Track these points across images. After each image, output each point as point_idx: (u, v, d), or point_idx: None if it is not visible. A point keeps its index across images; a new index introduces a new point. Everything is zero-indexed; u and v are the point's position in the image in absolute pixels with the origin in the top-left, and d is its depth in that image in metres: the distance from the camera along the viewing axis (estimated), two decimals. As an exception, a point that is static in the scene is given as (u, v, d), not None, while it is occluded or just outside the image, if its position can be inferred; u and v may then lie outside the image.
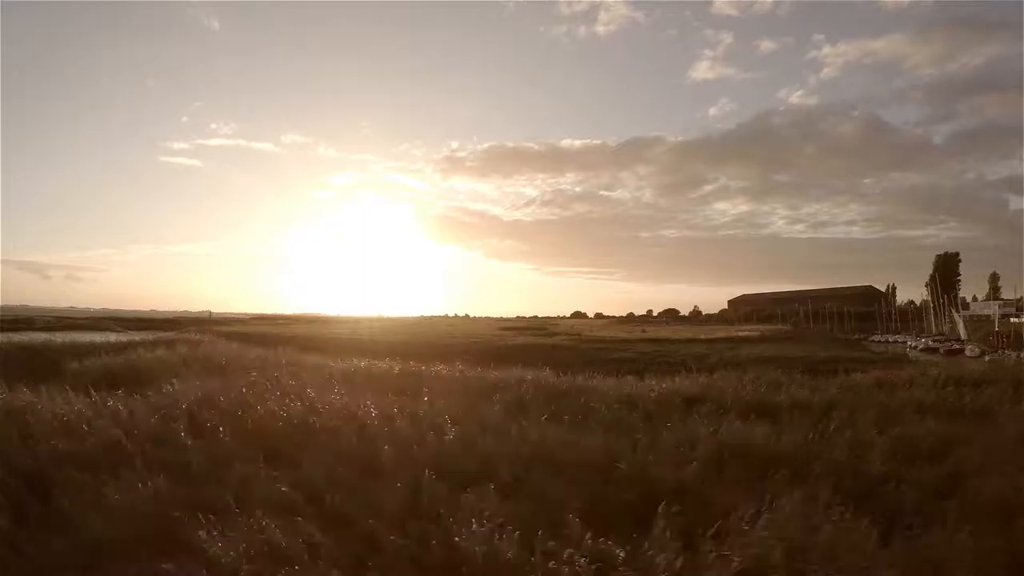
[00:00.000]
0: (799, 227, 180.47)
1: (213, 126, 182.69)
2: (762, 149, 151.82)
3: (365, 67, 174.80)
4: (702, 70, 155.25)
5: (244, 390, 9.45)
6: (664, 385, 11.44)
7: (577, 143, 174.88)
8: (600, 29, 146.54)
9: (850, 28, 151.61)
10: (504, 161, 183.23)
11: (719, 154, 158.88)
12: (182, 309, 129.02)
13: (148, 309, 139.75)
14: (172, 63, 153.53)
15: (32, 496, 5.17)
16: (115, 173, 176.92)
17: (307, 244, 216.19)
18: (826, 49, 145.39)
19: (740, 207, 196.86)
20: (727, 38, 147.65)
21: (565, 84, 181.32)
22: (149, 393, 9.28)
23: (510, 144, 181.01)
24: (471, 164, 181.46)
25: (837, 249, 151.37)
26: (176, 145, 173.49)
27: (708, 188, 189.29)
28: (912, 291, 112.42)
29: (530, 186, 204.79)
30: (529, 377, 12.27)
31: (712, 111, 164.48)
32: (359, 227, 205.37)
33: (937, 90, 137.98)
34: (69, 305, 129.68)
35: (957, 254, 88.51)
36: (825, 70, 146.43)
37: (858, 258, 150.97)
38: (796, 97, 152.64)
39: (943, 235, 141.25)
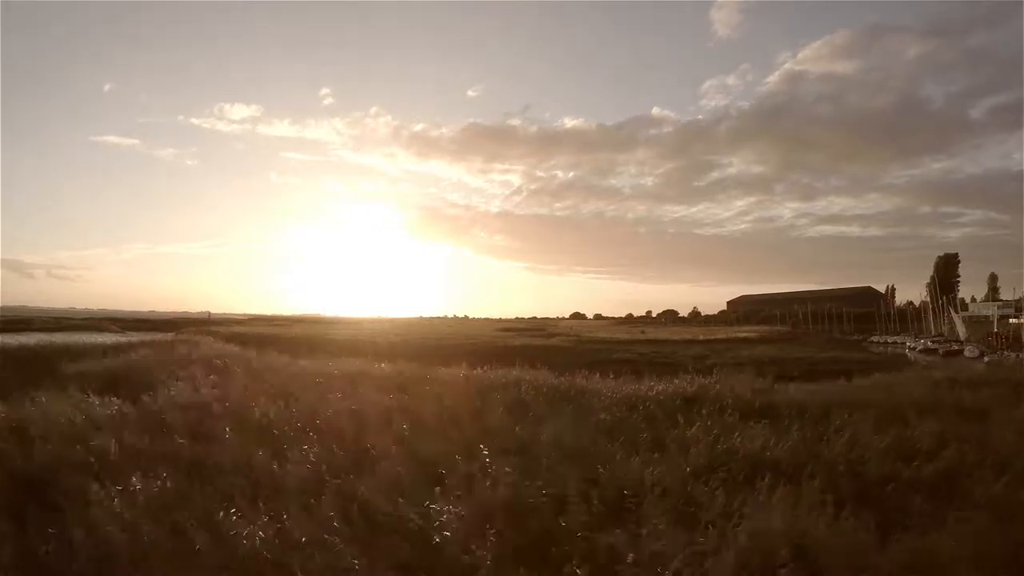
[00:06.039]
0: (806, 220, 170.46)
1: (144, 98, 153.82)
2: (781, 129, 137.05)
3: (320, 28, 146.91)
4: (723, 24, 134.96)
5: (244, 391, 9.46)
6: (663, 386, 11.45)
7: (569, 122, 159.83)
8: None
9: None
10: (485, 142, 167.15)
11: (733, 134, 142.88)
12: (181, 310, 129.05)
13: (147, 310, 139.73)
14: (83, 19, 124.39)
15: (31, 500, 5.17)
16: (45, 159, 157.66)
17: (294, 242, 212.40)
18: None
19: (748, 198, 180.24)
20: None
21: (556, 50, 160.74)
22: (149, 394, 9.27)
23: (492, 122, 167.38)
24: (448, 145, 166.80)
25: (847, 248, 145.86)
26: (104, 123, 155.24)
27: (715, 175, 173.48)
28: (912, 292, 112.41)
29: (515, 172, 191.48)
30: (528, 378, 12.28)
31: (731, 80, 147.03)
32: (341, 221, 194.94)
33: (984, 55, 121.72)
34: (68, 306, 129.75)
35: (956, 255, 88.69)
36: (861, 30, 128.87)
37: (865, 257, 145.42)
38: (826, 63, 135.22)
39: (960, 232, 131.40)
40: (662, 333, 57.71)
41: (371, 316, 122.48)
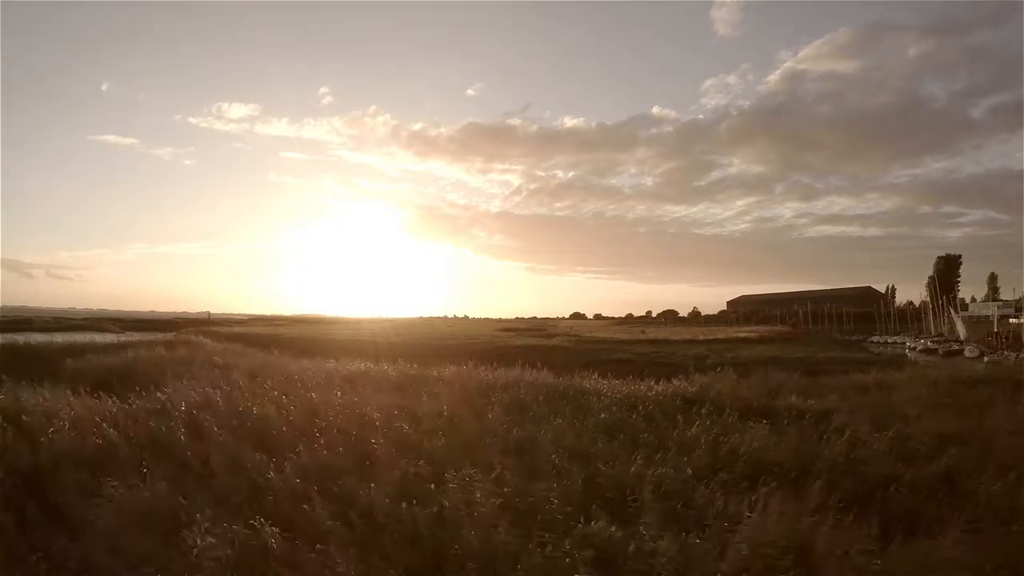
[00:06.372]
0: (806, 220, 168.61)
1: (142, 96, 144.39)
2: (782, 128, 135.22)
3: (319, 27, 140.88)
4: (723, 23, 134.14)
5: (243, 392, 9.46)
6: (663, 386, 11.44)
7: (569, 122, 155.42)
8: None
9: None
10: (485, 141, 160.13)
11: (733, 134, 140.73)
12: (181, 310, 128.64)
13: (147, 310, 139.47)
14: (81, 19, 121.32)
15: (31, 496, 5.18)
16: (43, 159, 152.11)
17: (293, 242, 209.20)
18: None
19: (748, 198, 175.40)
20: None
21: (556, 50, 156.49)
22: (148, 394, 9.27)
23: (491, 122, 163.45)
24: (448, 145, 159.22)
25: (847, 248, 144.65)
26: (102, 123, 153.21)
27: (716, 175, 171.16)
28: (912, 292, 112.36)
29: (515, 172, 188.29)
30: (528, 378, 12.28)
31: (731, 79, 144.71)
32: (340, 221, 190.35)
33: (985, 54, 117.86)
34: (68, 306, 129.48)
35: (959, 256, 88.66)
36: (862, 29, 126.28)
37: (865, 257, 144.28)
38: (827, 62, 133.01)
39: (960, 232, 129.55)
40: (662, 333, 57.53)
41: (371, 316, 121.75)
